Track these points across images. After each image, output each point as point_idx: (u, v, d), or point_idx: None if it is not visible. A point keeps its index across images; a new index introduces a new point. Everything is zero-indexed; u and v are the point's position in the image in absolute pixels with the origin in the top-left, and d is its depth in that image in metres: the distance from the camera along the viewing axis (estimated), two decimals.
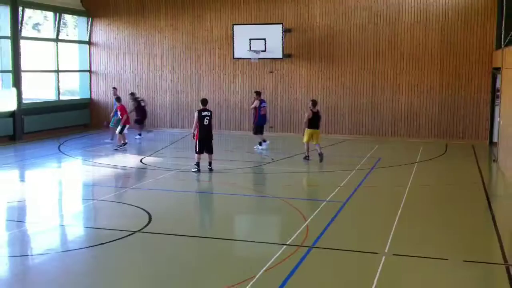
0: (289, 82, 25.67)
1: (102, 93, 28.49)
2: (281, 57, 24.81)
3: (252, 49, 24.72)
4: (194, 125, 17.33)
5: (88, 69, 28.68)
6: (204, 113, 17.23)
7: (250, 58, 25.15)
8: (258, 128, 21.96)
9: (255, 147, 21.90)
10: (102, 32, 28.36)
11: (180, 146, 23.23)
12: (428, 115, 24.12)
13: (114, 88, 25.47)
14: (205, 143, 17.34)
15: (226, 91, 26.53)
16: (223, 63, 26.56)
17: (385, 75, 24.47)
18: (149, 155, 20.45)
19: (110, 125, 23.47)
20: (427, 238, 11.04)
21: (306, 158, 19.38)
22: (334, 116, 25.21)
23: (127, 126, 21.96)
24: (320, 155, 19.03)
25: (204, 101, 17.62)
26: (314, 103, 19.25)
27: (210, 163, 17.47)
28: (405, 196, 14.31)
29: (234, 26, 25.30)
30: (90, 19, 28.34)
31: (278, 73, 25.81)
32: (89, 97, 28.64)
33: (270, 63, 25.75)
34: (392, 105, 24.48)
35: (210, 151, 17.47)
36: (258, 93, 22.10)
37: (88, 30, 28.40)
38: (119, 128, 21.77)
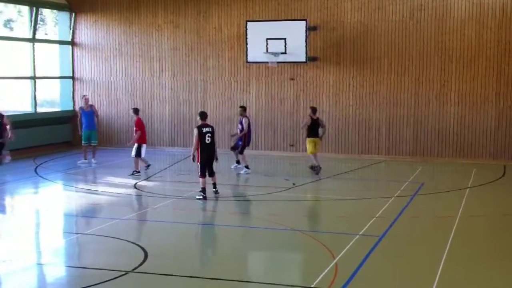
0: (314, 90, 25.76)
1: None
2: (305, 60, 24.90)
3: (269, 51, 24.80)
4: (194, 145, 17.46)
5: (71, 75, 28.89)
6: (205, 130, 17.40)
7: (267, 62, 25.23)
8: (244, 147, 22.33)
9: (242, 172, 21.99)
10: (88, 30, 28.59)
11: (182, 168, 23.33)
12: (483, 131, 24.11)
13: (85, 96, 24.75)
14: (208, 165, 17.57)
15: (238, 102, 26.56)
16: (234, 68, 26.72)
17: (430, 82, 24.51)
18: (145, 179, 20.59)
19: (92, 143, 23.74)
20: (482, 281, 11.04)
21: (316, 168, 21.44)
22: (369, 132, 25.27)
23: (144, 145, 21.90)
24: (317, 167, 21.48)
25: (204, 115, 17.83)
26: (314, 110, 21.74)
27: (214, 185, 17.73)
28: (454, 228, 14.31)
29: (248, 23, 25.41)
30: (74, 14, 28.56)
31: (301, 80, 25.92)
32: (71, 109, 28.80)
33: (291, 68, 25.88)
34: (439, 119, 24.48)
35: (211, 173, 17.70)
36: (244, 109, 22.65)
37: (71, 28, 28.60)
38: (135, 148, 21.64)
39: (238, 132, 22.35)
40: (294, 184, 19.91)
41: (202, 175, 17.42)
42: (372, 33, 24.97)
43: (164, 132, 27.68)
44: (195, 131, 17.36)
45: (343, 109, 25.35)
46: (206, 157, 17.39)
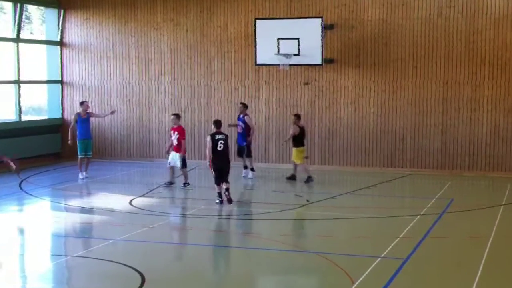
0: (331, 96, 25.78)
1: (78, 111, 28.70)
2: (320, 63, 24.97)
3: (281, 52, 24.90)
4: (207, 153, 18.85)
5: (60, 79, 28.99)
6: (218, 137, 18.83)
7: (278, 65, 25.32)
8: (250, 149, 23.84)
9: (249, 175, 23.55)
10: (79, 29, 28.69)
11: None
12: None
13: (85, 102, 24.66)
14: (223, 172, 18.85)
15: None
16: (241, 71, 26.78)
17: (460, 86, 24.53)
18: (142, 195, 20.67)
19: (88, 155, 23.80)
20: None
21: (310, 179, 22.41)
22: (392, 142, 25.26)
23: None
24: (294, 177, 22.81)
25: (218, 123, 19.24)
26: (299, 117, 22.96)
27: (227, 190, 18.78)
28: (487, 250, 14.31)
29: (257, 21, 25.48)
30: (63, 11, 28.67)
31: (316, 85, 25.95)
32: (60, 116, 28.91)
33: (306, 71, 25.92)
34: (470, 128, 24.47)
35: (225, 180, 18.91)
36: (246, 106, 24.05)
37: (60, 26, 28.72)
38: (180, 159, 21.59)
39: (241, 130, 23.52)
40: (308, 201, 19.94)
41: (218, 184, 18.83)
42: (395, 32, 25.02)
43: (164, 143, 27.49)
44: (208, 138, 18.92)
45: (363, 117, 25.37)
46: (220, 164, 18.80)
